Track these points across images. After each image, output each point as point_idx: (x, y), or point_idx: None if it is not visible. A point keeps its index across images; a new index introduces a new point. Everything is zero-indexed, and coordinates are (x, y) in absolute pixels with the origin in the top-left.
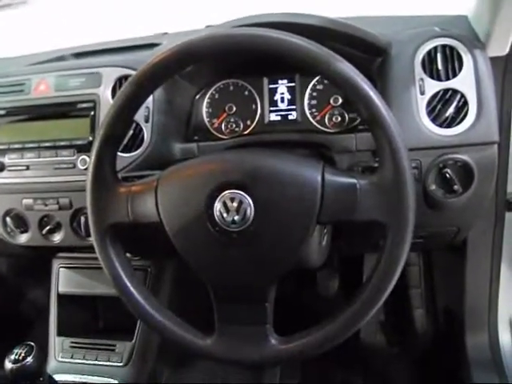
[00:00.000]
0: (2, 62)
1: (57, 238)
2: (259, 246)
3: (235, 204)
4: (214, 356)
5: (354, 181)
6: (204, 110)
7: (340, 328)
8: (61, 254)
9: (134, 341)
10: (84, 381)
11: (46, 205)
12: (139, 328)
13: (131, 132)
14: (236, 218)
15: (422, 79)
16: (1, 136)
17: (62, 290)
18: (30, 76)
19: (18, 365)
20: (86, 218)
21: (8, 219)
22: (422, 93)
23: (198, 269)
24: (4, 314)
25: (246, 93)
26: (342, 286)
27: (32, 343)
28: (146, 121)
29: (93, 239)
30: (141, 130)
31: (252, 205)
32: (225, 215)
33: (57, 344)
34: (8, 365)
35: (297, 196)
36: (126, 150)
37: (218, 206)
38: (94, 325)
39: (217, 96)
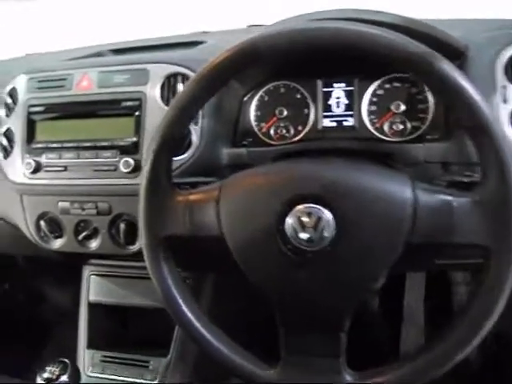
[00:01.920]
0: (36, 57)
1: (93, 244)
2: (338, 269)
3: (312, 220)
4: None
5: (449, 198)
6: (252, 112)
7: (423, 368)
8: (92, 261)
9: (168, 357)
10: None
11: (84, 209)
12: (175, 343)
13: None
14: (313, 235)
15: (504, 86)
16: (38, 134)
17: (93, 298)
18: (72, 71)
19: None
20: (126, 225)
21: (42, 223)
22: (505, 101)
23: (264, 290)
24: (25, 318)
25: (298, 96)
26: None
27: (66, 360)
28: (196, 123)
29: (144, 251)
30: (189, 132)
31: (332, 222)
32: (299, 232)
33: (87, 357)
34: (40, 381)
35: (385, 214)
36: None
37: (290, 221)
38: (125, 338)
39: (266, 98)
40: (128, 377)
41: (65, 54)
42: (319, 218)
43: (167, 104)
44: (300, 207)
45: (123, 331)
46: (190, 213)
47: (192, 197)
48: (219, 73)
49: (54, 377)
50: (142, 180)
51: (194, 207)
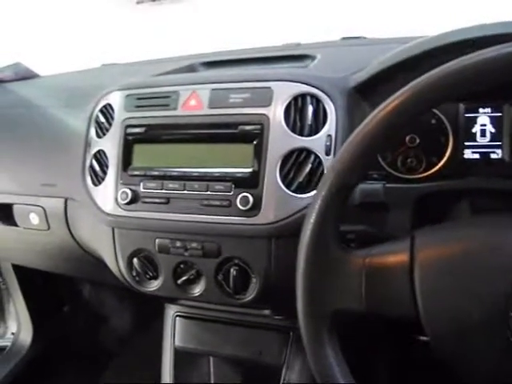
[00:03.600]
0: (120, 69)
1: (196, 290)
2: None
3: None
4: None
5: None
6: None
7: None
8: (179, 301)
9: None
10: None
11: (187, 249)
12: None
13: (309, 167)
14: None
15: None
16: (136, 159)
17: (179, 344)
18: (177, 88)
19: None
20: (238, 271)
21: (135, 261)
22: None
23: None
24: (82, 344)
25: (434, 121)
26: None
27: None
28: (327, 153)
29: (302, 327)
30: (320, 164)
31: None
32: None
33: None
34: None
35: None
36: (300, 190)
37: None
38: None
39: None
40: None
41: (147, 65)
42: None
43: (293, 130)
44: None
45: (212, 380)
46: (367, 282)
47: (371, 260)
48: (427, 98)
49: None
50: (303, 231)
51: (374, 275)
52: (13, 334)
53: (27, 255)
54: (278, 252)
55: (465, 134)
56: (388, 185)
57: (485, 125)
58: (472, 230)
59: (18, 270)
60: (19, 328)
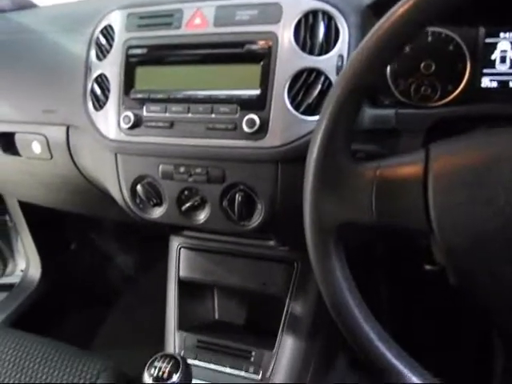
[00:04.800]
0: None
1: (200, 217)
2: None
3: None
4: None
5: None
6: (388, 65)
7: None
8: (184, 232)
9: (274, 350)
10: None
11: (191, 175)
12: (281, 335)
13: (319, 88)
14: None
15: None
16: (139, 82)
17: (183, 275)
18: (181, 5)
19: None
20: (243, 197)
21: (139, 188)
22: None
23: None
24: (89, 282)
25: (451, 47)
26: None
27: (177, 356)
28: (338, 74)
29: (309, 241)
30: (330, 85)
31: None
32: None
33: (178, 340)
34: (148, 380)
35: None
36: (309, 112)
37: None
38: (220, 322)
39: (408, 49)
40: (226, 366)
41: None
42: None
43: (303, 49)
44: None
45: (215, 314)
46: (377, 194)
47: (383, 172)
48: None
49: (166, 375)
50: (313, 140)
51: (385, 187)
52: (22, 271)
53: (32, 189)
54: (285, 177)
55: (483, 60)
56: (400, 110)
57: (505, 51)
58: (489, 140)
59: (25, 207)
60: (28, 265)
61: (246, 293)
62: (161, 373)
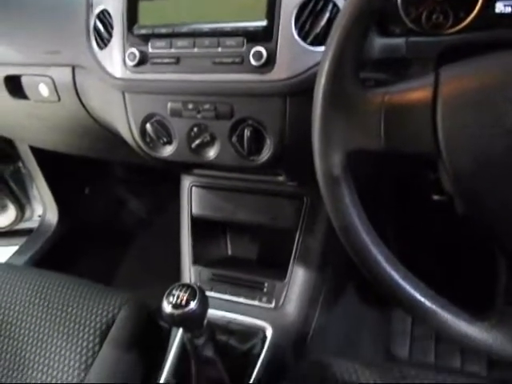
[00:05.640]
0: None
1: (210, 153)
2: None
3: None
4: (491, 349)
5: None
6: None
7: None
8: (195, 171)
9: (286, 280)
10: (232, 319)
11: (199, 111)
12: (292, 266)
13: (327, 16)
14: None
15: None
16: (143, 16)
17: (196, 212)
18: None
19: (180, 311)
20: (252, 132)
21: (148, 126)
22: None
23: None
24: (104, 225)
25: None
26: None
27: (194, 285)
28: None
29: (318, 169)
30: (338, 12)
31: None
32: None
33: (193, 274)
34: (167, 308)
35: None
36: (317, 42)
37: None
38: (233, 256)
39: None
40: (240, 296)
41: None
42: None
43: None
44: None
45: (228, 249)
46: (386, 119)
47: (391, 97)
48: None
49: (184, 302)
50: (321, 65)
51: (394, 112)
52: (39, 216)
53: (40, 133)
54: (293, 111)
55: None
56: (411, 39)
57: None
58: (499, 62)
59: (37, 153)
60: (45, 210)
61: (258, 228)
62: (179, 300)
